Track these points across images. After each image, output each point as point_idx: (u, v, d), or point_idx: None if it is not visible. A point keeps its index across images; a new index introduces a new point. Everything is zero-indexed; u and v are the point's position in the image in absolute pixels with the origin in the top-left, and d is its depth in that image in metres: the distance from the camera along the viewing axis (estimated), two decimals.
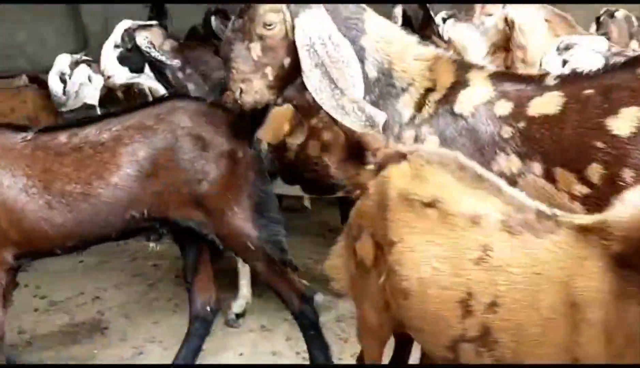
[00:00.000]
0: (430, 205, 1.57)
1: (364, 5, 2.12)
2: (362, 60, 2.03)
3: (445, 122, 1.99)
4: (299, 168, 3.12)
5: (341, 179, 2.85)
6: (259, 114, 2.39)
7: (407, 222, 1.59)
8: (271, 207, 2.57)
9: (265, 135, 2.80)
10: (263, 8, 2.01)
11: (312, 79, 1.99)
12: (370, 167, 1.80)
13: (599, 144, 1.72)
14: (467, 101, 1.98)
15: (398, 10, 3.92)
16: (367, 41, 2.05)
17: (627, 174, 1.68)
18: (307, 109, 2.88)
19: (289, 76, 2.11)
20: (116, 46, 3.41)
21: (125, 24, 3.44)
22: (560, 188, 1.81)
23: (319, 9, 1.98)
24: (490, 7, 3.36)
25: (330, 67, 1.97)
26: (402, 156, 1.70)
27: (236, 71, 2.08)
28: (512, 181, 1.85)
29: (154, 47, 3.33)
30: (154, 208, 2.46)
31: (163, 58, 3.32)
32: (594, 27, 3.86)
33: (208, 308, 2.84)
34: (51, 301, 3.85)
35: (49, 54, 4.58)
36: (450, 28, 3.58)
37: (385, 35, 2.08)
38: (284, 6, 2.01)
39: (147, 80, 3.49)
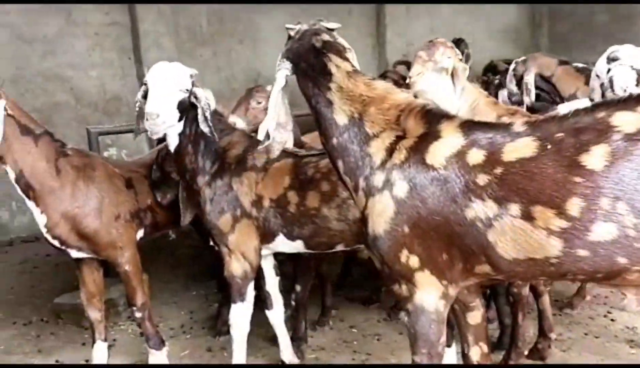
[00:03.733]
0: None
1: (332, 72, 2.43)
2: (331, 110, 2.36)
3: (416, 170, 2.15)
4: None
5: None
6: None
7: None
8: None
9: None
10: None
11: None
12: None
13: (577, 179, 1.87)
14: (439, 153, 2.13)
15: None
16: (332, 96, 2.37)
17: (605, 203, 1.85)
18: None
19: None
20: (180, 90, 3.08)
21: (189, 69, 3.15)
22: (537, 225, 1.94)
23: (286, 63, 2.48)
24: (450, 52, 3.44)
25: (270, 105, 2.48)
26: None
27: None
28: (488, 224, 2.02)
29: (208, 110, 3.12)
30: None
31: (208, 129, 3.09)
32: None
33: None
34: None
35: None
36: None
37: (349, 89, 2.36)
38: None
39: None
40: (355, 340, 4.07)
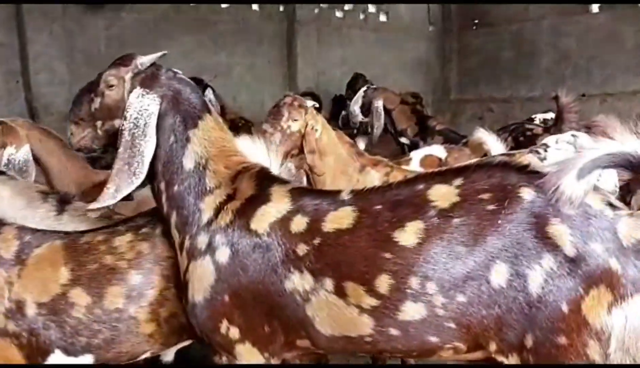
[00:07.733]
0: None
1: (211, 108, 2.28)
2: (183, 150, 2.15)
3: (239, 235, 2.01)
4: None
5: None
6: None
7: None
8: None
9: None
10: (110, 71, 2.24)
11: (121, 138, 2.15)
12: None
13: (387, 255, 1.79)
14: (264, 218, 2.01)
15: None
16: (194, 135, 2.16)
17: (414, 282, 1.76)
18: None
19: (116, 135, 2.22)
20: None
21: None
22: (350, 302, 1.85)
23: (151, 95, 2.15)
24: (296, 113, 3.39)
25: (127, 146, 2.12)
26: None
27: (73, 114, 2.31)
28: (306, 299, 1.90)
29: None
30: None
31: None
32: None
33: None
34: None
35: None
36: None
37: (212, 136, 2.19)
38: (129, 76, 2.21)
39: None
40: None
